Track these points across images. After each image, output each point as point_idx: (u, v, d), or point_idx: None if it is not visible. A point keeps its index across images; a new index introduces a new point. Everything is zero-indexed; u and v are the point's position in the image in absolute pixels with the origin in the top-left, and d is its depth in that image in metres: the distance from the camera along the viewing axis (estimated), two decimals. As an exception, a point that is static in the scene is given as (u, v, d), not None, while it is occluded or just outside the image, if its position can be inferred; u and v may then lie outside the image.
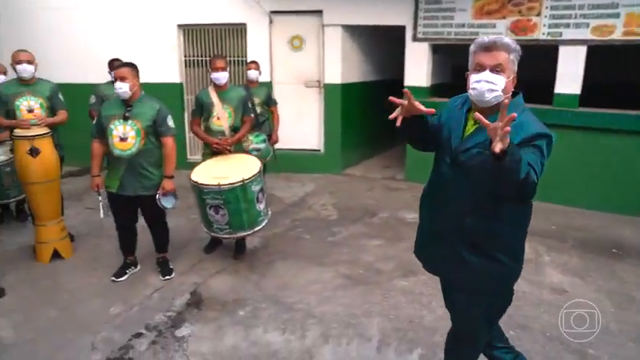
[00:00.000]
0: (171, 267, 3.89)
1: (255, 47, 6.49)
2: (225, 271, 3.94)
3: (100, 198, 3.72)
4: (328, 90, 6.58)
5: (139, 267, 3.92)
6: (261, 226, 3.91)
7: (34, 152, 3.81)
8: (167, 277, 3.79)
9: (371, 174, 6.85)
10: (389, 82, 7.24)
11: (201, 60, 6.72)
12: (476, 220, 1.88)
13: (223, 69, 4.06)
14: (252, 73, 5.10)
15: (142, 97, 3.59)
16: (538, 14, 5.26)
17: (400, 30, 6.06)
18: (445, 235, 1.98)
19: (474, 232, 1.90)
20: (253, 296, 3.53)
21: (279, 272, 3.91)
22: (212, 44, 6.72)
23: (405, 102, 1.84)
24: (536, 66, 4.45)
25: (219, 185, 3.58)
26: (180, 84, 6.84)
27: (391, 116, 1.88)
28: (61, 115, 4.24)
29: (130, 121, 3.46)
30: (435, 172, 2.06)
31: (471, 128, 1.89)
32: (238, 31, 6.60)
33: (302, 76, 6.68)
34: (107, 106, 3.63)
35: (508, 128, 1.47)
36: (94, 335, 3.05)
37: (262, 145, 4.89)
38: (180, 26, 6.65)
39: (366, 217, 5.14)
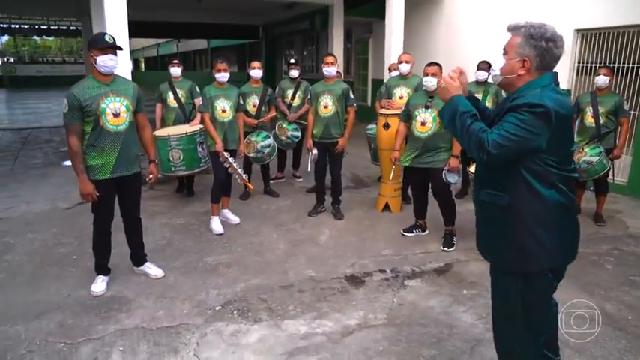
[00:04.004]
0: (454, 241, 4.43)
1: (661, 52, 5.58)
2: (491, 261, 4.14)
3: (394, 165, 4.75)
4: None
5: (426, 232, 4.69)
6: None
7: (385, 126, 5.16)
8: (446, 249, 4.37)
9: None
10: None
11: (595, 67, 6.32)
12: (488, 194, 1.95)
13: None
14: (600, 79, 4.66)
15: None
16: None
17: None
18: (477, 214, 2.11)
19: (488, 208, 1.97)
20: (488, 287, 3.66)
21: (538, 282, 3.76)
22: (608, 50, 6.19)
23: None
24: None
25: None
26: (568, 90, 6.68)
27: None
28: (417, 103, 5.39)
29: (429, 110, 4.21)
30: None
31: None
32: (641, 34, 5.81)
33: None
34: (414, 96, 4.51)
35: None
36: (359, 260, 4.14)
37: (595, 159, 4.48)
38: (578, 31, 6.47)
39: None
